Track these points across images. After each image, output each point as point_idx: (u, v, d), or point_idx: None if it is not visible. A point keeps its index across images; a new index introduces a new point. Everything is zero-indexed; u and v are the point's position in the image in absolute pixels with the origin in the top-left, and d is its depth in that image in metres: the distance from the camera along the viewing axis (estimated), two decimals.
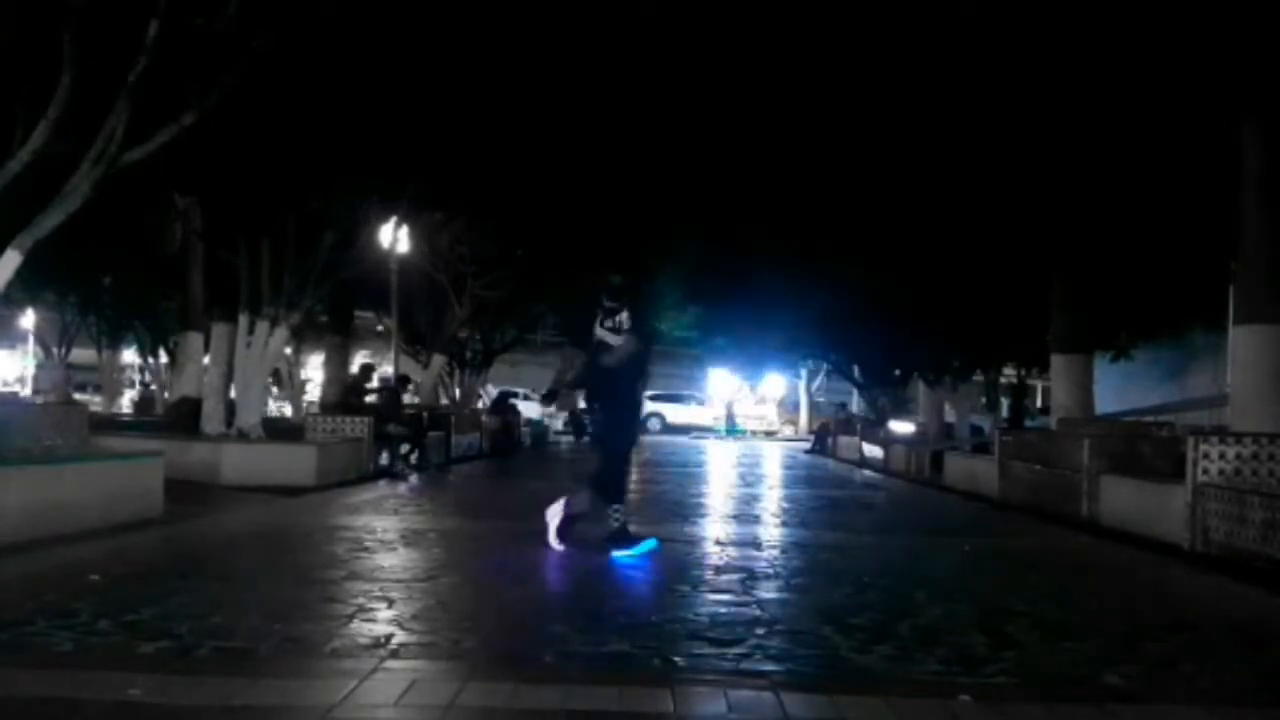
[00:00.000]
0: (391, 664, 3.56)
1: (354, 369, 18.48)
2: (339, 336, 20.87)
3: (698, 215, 20.02)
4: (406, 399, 16.36)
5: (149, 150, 8.30)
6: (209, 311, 14.49)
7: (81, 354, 29.78)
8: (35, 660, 3.50)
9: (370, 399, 14.25)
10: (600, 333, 6.39)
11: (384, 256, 16.95)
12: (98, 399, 29.18)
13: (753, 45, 13.57)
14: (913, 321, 18.53)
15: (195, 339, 15.44)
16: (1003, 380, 22.10)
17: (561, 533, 6.42)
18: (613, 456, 6.47)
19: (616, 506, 6.40)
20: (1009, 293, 15.68)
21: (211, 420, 12.66)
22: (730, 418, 40.32)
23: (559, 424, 36.10)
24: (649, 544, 6.36)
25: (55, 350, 29.25)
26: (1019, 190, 13.03)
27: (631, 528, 6.49)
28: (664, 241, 20.62)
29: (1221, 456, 7.46)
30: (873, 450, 20.31)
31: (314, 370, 31.69)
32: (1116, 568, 6.91)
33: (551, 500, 6.62)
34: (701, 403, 40.46)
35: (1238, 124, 8.94)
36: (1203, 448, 7.52)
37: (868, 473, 18.37)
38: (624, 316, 6.35)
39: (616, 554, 6.23)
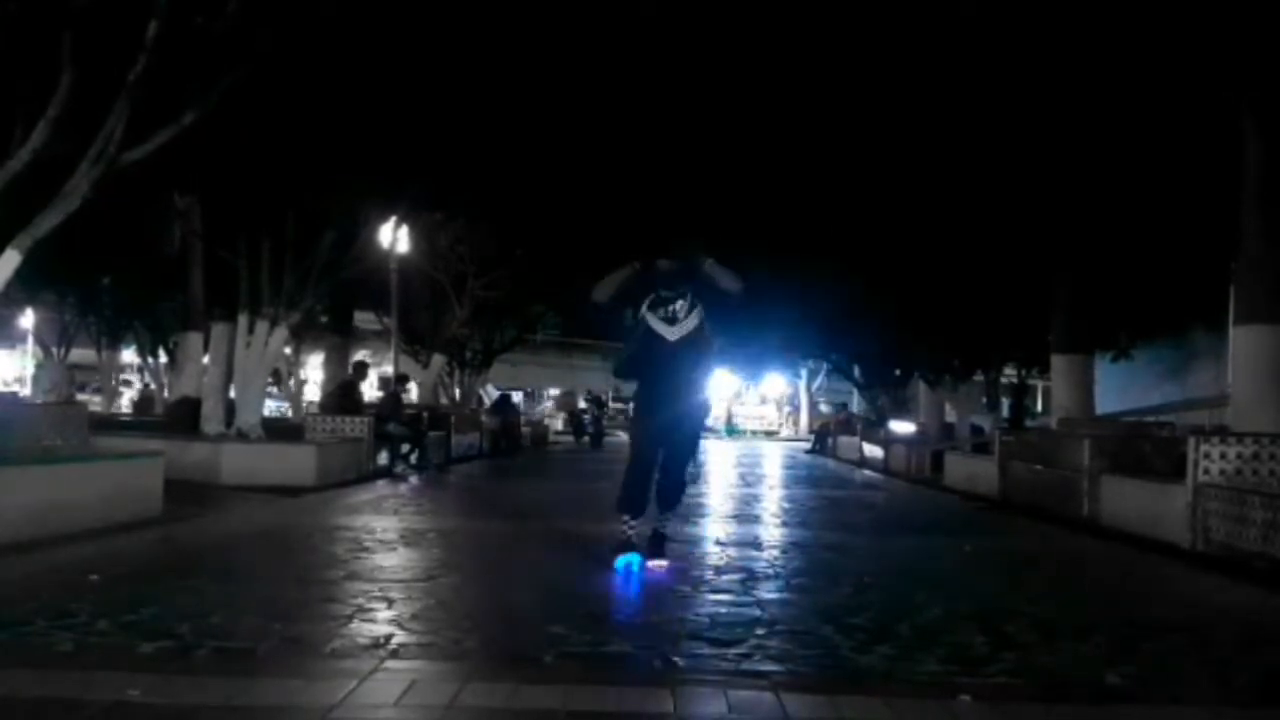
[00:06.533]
0: (391, 664, 3.56)
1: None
2: (339, 336, 20.88)
3: (696, 214, 20.00)
4: (406, 398, 16.35)
5: (149, 150, 8.29)
6: (209, 311, 14.49)
7: (81, 354, 29.78)
8: (35, 660, 3.49)
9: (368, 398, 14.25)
10: (652, 321, 5.78)
11: (384, 256, 16.94)
12: (97, 399, 29.19)
13: (754, 46, 13.57)
14: (913, 321, 18.52)
15: (195, 339, 15.44)
16: (1003, 380, 22.09)
17: (656, 552, 5.94)
18: (687, 453, 5.95)
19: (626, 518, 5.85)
20: (1009, 293, 15.69)
21: (211, 420, 12.65)
22: (729, 418, 40.50)
23: (559, 424, 36.14)
24: (630, 558, 5.77)
25: (55, 350, 29.25)
26: (1019, 191, 13.04)
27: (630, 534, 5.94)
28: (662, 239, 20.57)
29: (1222, 456, 7.46)
30: (873, 450, 20.31)
31: (314, 370, 31.69)
32: (1117, 568, 6.90)
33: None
34: None
35: (1238, 123, 8.95)
36: (1203, 448, 7.52)
37: (868, 473, 18.37)
38: (681, 305, 5.74)
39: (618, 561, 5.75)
